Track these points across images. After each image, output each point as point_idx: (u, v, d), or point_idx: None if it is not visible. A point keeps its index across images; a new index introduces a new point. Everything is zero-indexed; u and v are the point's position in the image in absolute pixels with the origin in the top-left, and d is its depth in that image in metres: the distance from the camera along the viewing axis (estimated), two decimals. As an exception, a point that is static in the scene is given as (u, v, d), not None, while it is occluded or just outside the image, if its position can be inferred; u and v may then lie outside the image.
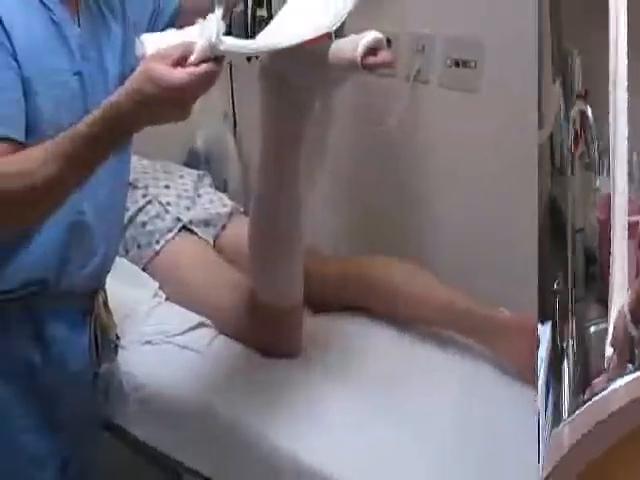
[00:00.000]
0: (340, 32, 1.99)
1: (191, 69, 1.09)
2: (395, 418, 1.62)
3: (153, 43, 1.14)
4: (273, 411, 1.62)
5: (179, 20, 1.56)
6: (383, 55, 1.39)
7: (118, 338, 1.69)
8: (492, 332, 1.78)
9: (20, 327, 1.41)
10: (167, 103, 1.10)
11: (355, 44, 1.38)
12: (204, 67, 1.09)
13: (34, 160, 1.15)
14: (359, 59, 1.37)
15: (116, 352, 1.69)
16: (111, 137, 1.16)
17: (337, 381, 1.71)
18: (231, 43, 1.15)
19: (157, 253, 2.01)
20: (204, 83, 1.11)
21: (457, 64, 1.97)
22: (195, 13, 1.46)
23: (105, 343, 1.59)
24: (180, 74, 1.08)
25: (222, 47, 1.12)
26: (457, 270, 2.00)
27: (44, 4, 1.28)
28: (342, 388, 1.69)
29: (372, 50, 1.38)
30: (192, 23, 1.47)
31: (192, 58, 1.09)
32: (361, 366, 1.77)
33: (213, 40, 1.09)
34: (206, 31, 1.10)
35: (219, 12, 1.12)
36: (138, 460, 1.78)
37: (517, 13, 1.76)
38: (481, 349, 1.83)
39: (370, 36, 1.38)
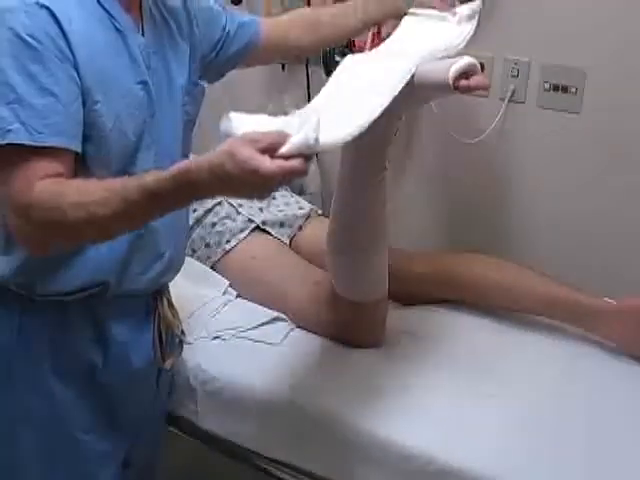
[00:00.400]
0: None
1: (280, 162, 1.04)
2: (492, 400, 1.59)
3: (242, 123, 1.10)
4: (354, 400, 1.59)
5: (253, 52, 1.59)
6: (477, 79, 1.42)
7: (183, 334, 1.63)
8: (597, 318, 1.76)
9: (81, 328, 1.39)
10: (248, 185, 1.07)
11: (447, 67, 1.41)
12: (294, 164, 1.05)
13: (96, 196, 1.13)
14: (451, 82, 1.39)
15: (181, 348, 1.63)
16: (177, 200, 1.13)
17: (427, 368, 1.69)
18: (327, 142, 1.11)
19: (227, 252, 1.98)
20: (290, 177, 1.06)
21: (556, 89, 1.99)
22: (273, 49, 1.61)
23: (170, 340, 1.55)
24: (269, 165, 1.03)
25: (319, 148, 1.09)
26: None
27: (108, 12, 1.25)
28: (434, 374, 1.67)
29: (464, 74, 1.41)
30: (266, 58, 1.59)
31: (284, 150, 1.04)
32: (454, 352, 1.75)
33: (312, 142, 1.06)
34: (306, 128, 1.06)
35: (315, 120, 1.07)
36: (206, 452, 1.73)
37: (620, 41, 1.86)
38: (580, 332, 1.81)
39: (464, 61, 1.42)
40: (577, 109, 1.98)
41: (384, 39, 2.08)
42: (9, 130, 1.14)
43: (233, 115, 1.10)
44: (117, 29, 1.26)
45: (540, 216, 2.09)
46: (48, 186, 1.14)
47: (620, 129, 1.94)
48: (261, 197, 1.13)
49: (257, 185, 1.06)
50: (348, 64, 1.46)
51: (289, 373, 1.66)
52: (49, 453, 1.42)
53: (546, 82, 2.00)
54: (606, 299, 1.81)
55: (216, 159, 1.06)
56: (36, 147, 1.15)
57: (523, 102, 2.04)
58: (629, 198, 1.98)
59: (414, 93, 1.45)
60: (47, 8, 1.16)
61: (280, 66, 2.34)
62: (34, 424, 1.39)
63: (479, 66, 1.44)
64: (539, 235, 2.09)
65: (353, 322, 1.73)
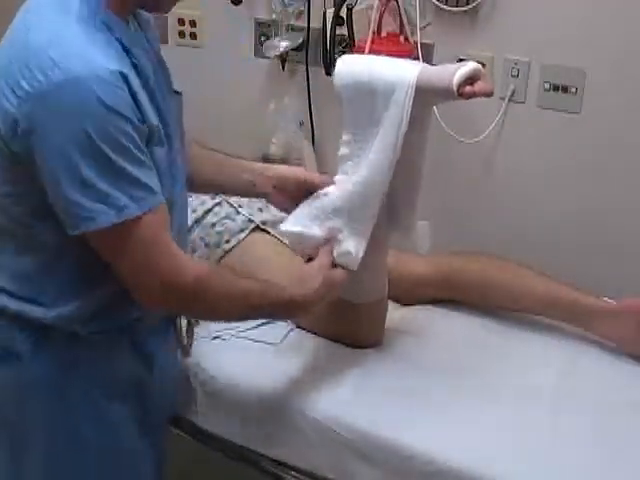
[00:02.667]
0: (430, 58, 2.04)
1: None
2: (492, 400, 1.59)
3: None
4: (354, 400, 1.59)
5: None
6: (480, 85, 1.41)
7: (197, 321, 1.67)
8: (597, 318, 1.77)
9: (126, 349, 1.40)
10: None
11: (452, 73, 1.40)
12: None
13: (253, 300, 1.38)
14: (455, 88, 1.39)
15: (193, 333, 1.65)
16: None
17: (427, 368, 1.69)
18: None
19: (227, 252, 1.97)
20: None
21: (556, 89, 2.00)
22: None
23: (188, 341, 1.61)
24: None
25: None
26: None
27: (138, 71, 1.23)
28: (434, 374, 1.66)
29: (469, 79, 1.40)
30: None
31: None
32: (454, 352, 1.75)
33: (354, 268, 1.53)
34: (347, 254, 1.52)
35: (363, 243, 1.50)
36: (206, 452, 1.72)
37: (620, 41, 1.87)
38: (580, 331, 1.81)
39: (468, 67, 1.41)
40: (577, 109, 1.98)
41: (384, 39, 2.10)
42: (124, 206, 1.17)
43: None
44: (148, 82, 1.26)
45: (540, 216, 2.09)
46: (213, 278, 1.31)
47: (620, 129, 1.95)
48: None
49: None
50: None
51: (289, 373, 1.66)
52: (110, 473, 1.44)
53: (546, 82, 2.00)
54: (606, 299, 1.81)
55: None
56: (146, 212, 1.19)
57: (523, 102, 2.04)
58: (629, 198, 1.98)
59: (416, 100, 1.45)
60: (121, 73, 1.16)
61: (280, 66, 2.34)
62: (94, 451, 1.40)
63: (483, 71, 1.44)
64: (539, 235, 2.10)
65: (353, 322, 1.72)
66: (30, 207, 1.26)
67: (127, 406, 1.42)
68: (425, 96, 1.46)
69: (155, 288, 1.25)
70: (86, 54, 1.14)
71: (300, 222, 1.56)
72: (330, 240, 1.53)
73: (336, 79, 1.53)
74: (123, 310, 1.35)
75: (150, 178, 1.21)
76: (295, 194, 1.60)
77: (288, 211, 1.60)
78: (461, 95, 1.41)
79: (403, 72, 1.47)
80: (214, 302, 1.33)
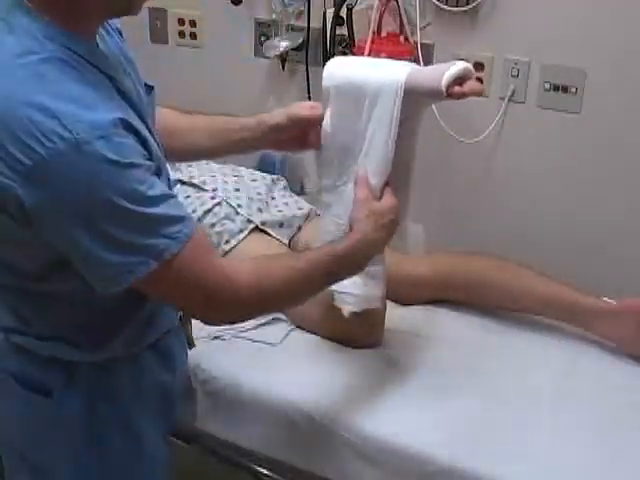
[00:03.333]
0: (430, 58, 2.04)
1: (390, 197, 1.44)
2: (492, 400, 1.59)
3: None
4: (353, 400, 1.60)
5: None
6: (470, 85, 1.38)
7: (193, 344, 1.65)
8: (597, 318, 1.77)
9: (153, 361, 1.37)
10: (390, 226, 1.42)
11: (440, 73, 1.38)
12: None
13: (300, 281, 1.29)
14: (444, 89, 1.36)
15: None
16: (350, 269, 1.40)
17: (427, 368, 1.69)
18: None
19: (227, 252, 1.97)
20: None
21: (556, 89, 2.00)
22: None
23: (190, 329, 1.60)
24: (386, 200, 1.44)
25: None
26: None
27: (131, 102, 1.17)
28: (434, 374, 1.67)
29: (458, 79, 1.38)
30: None
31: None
32: (454, 352, 1.75)
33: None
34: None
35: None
36: (205, 452, 1.73)
37: (620, 41, 1.88)
38: (580, 331, 1.82)
39: (457, 67, 1.38)
40: (577, 109, 1.98)
41: (384, 39, 2.10)
42: (163, 249, 1.09)
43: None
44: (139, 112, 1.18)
45: (540, 216, 2.10)
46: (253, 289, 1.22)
47: (620, 129, 1.95)
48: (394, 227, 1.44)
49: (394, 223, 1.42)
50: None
51: (289, 373, 1.66)
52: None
53: (546, 82, 2.00)
54: (606, 299, 1.81)
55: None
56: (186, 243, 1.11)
57: (523, 102, 2.04)
58: (629, 198, 1.98)
59: (406, 101, 1.43)
60: (121, 120, 1.05)
61: (280, 66, 2.34)
62: (120, 463, 1.37)
63: (473, 70, 1.41)
64: (539, 235, 2.10)
65: (352, 322, 1.70)
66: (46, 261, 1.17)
67: (154, 417, 1.39)
68: (414, 97, 1.44)
69: (220, 309, 1.23)
70: (77, 109, 1.01)
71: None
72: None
73: (325, 80, 1.50)
74: (156, 327, 1.34)
75: (177, 206, 1.13)
76: (296, 133, 1.55)
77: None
78: (450, 96, 1.38)
79: (392, 74, 1.45)
80: (275, 300, 1.31)
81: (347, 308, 1.63)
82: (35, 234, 1.08)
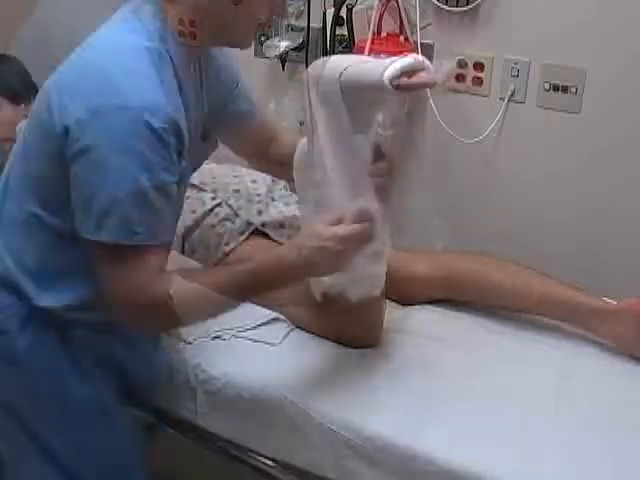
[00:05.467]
0: (430, 58, 2.05)
1: (346, 227, 1.35)
2: (492, 400, 1.59)
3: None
4: (353, 400, 1.59)
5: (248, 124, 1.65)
6: (419, 76, 1.32)
7: None
8: (597, 318, 1.77)
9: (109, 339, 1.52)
10: (326, 253, 1.34)
11: (383, 66, 1.33)
12: (357, 226, 1.34)
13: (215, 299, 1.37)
14: (387, 81, 1.31)
15: None
16: (269, 284, 1.42)
17: (427, 368, 1.69)
18: None
19: (227, 254, 1.97)
20: (358, 238, 1.36)
21: (556, 89, 2.00)
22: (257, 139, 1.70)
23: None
24: (338, 228, 1.34)
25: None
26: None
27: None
28: (434, 374, 1.66)
29: (405, 73, 1.32)
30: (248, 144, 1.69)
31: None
32: (454, 352, 1.75)
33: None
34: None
35: None
36: (206, 452, 1.72)
37: (620, 41, 1.89)
38: (580, 331, 1.81)
39: (403, 60, 1.32)
40: (577, 109, 1.98)
41: (384, 39, 2.10)
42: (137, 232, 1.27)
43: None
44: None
45: (540, 216, 2.10)
46: (177, 289, 1.32)
47: (620, 129, 1.95)
48: (337, 266, 1.39)
49: (332, 251, 1.34)
50: None
51: (289, 373, 1.65)
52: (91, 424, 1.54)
53: (546, 82, 2.01)
54: (606, 299, 1.81)
55: (299, 240, 1.39)
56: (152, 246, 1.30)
57: (523, 102, 2.04)
58: (629, 198, 1.98)
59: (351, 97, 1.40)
60: (175, 123, 1.27)
61: (280, 66, 2.34)
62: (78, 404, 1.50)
63: (426, 62, 1.34)
64: (539, 235, 2.10)
65: (350, 321, 1.72)
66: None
67: (108, 374, 1.54)
68: (360, 93, 1.40)
69: (134, 311, 1.35)
70: (149, 91, 1.25)
71: None
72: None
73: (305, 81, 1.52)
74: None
75: (171, 217, 1.33)
76: None
77: None
78: (398, 88, 1.32)
79: (335, 69, 1.42)
80: (184, 317, 1.39)
81: (354, 296, 1.61)
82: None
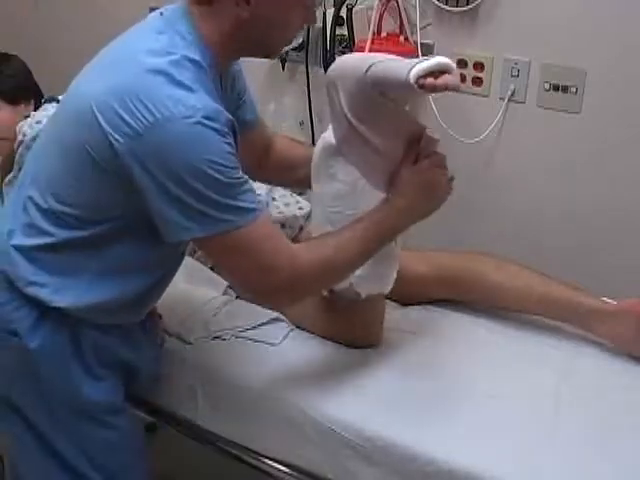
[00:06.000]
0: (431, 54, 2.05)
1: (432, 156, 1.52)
2: (492, 400, 1.59)
3: None
4: (353, 400, 1.58)
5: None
6: (445, 78, 1.34)
7: (160, 316, 1.77)
8: (597, 318, 1.76)
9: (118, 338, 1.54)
10: (431, 184, 1.53)
11: (410, 65, 1.36)
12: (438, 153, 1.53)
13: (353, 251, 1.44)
14: (412, 80, 1.34)
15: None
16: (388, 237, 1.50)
17: (427, 368, 1.69)
18: None
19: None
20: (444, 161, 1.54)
21: (556, 89, 2.00)
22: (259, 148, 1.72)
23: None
24: (427, 160, 1.51)
25: None
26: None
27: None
28: (434, 374, 1.66)
29: (430, 73, 1.35)
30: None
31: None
32: (454, 352, 1.75)
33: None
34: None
35: None
36: (206, 452, 1.71)
37: (620, 41, 1.89)
38: (580, 332, 1.81)
39: (431, 61, 1.35)
40: (577, 109, 1.98)
41: (384, 39, 2.10)
42: (255, 209, 1.32)
43: None
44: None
45: (540, 216, 2.10)
46: (307, 261, 1.38)
47: (620, 129, 1.95)
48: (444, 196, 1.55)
49: (438, 180, 1.53)
50: None
51: (289, 373, 1.66)
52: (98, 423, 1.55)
53: (546, 82, 2.01)
54: (606, 299, 1.81)
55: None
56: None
57: (523, 102, 2.05)
58: (629, 197, 1.98)
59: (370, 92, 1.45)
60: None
61: (280, 66, 2.35)
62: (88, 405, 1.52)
63: (454, 66, 1.37)
64: (539, 235, 2.10)
65: (352, 321, 1.72)
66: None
67: (116, 374, 1.55)
68: (382, 89, 1.44)
69: (275, 287, 1.39)
70: (199, 97, 1.27)
71: None
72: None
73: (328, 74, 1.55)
74: (127, 313, 1.52)
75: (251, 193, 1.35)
76: None
77: None
78: (422, 88, 1.34)
79: (359, 65, 1.46)
80: (315, 282, 1.44)
81: (363, 292, 1.64)
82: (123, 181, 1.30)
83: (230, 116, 1.31)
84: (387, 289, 1.68)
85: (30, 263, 1.42)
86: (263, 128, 1.77)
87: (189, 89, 1.26)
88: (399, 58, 1.47)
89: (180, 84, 1.26)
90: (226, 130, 1.28)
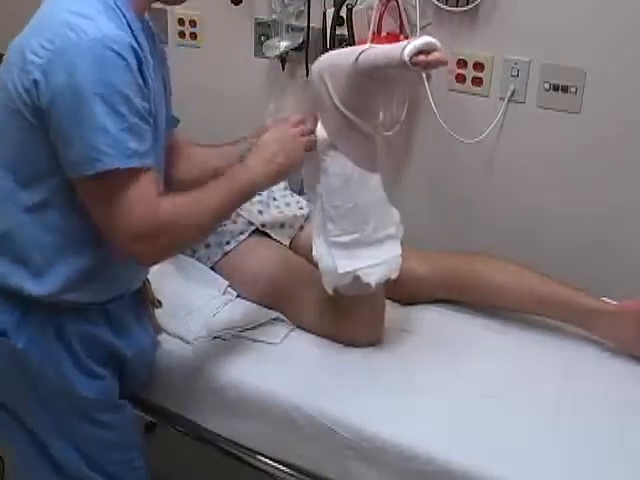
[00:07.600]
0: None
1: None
2: (492, 400, 1.59)
3: None
4: (353, 400, 1.59)
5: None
6: (434, 54, 1.48)
7: (160, 303, 1.78)
8: (597, 319, 1.77)
9: (104, 324, 1.54)
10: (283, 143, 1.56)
11: (403, 45, 1.47)
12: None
13: (211, 206, 1.44)
14: (407, 58, 1.46)
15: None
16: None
17: (427, 368, 1.69)
18: None
19: (227, 253, 1.97)
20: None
21: (556, 89, 1.99)
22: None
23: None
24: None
25: None
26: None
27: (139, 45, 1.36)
28: (434, 374, 1.67)
29: (421, 52, 1.47)
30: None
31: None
32: (454, 352, 1.76)
33: None
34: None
35: None
36: (206, 452, 1.72)
37: (620, 41, 1.88)
38: (580, 332, 1.82)
39: (418, 41, 1.47)
40: (577, 109, 1.98)
41: (384, 39, 2.10)
42: (130, 155, 1.29)
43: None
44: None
45: (540, 216, 2.09)
46: (169, 209, 1.36)
47: (620, 129, 1.95)
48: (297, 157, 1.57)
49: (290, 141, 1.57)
50: None
51: (289, 373, 1.66)
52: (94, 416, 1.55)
53: (546, 82, 2.00)
54: (606, 299, 1.81)
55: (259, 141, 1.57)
56: (141, 169, 1.32)
57: (523, 102, 2.04)
58: (629, 198, 1.98)
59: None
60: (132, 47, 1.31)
61: (280, 66, 2.34)
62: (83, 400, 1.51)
63: (438, 44, 1.49)
64: (539, 235, 2.10)
65: (351, 320, 1.73)
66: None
67: (107, 366, 1.55)
68: (374, 72, 1.53)
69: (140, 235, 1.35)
70: (107, 25, 1.29)
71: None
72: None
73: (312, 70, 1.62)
74: (110, 287, 1.52)
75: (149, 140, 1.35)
76: None
77: None
78: (416, 65, 1.46)
79: (350, 55, 1.55)
80: (178, 230, 1.40)
81: (373, 280, 1.64)
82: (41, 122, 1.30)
83: (134, 43, 1.32)
84: (395, 274, 1.68)
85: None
86: (181, 137, 1.76)
87: (92, 19, 1.28)
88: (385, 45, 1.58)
89: (84, 15, 1.29)
90: (126, 55, 1.29)
